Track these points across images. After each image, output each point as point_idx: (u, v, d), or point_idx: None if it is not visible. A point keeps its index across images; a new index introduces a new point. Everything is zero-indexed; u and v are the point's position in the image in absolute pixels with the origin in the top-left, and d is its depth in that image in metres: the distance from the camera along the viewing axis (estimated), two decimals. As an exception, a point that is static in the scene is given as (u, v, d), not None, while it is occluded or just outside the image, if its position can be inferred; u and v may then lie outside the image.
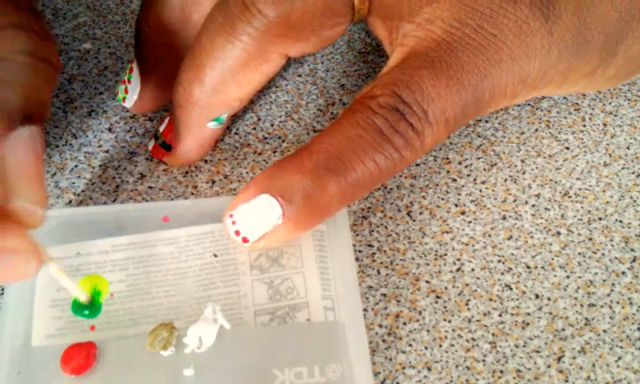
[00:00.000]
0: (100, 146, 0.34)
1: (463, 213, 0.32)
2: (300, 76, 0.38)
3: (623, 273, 0.30)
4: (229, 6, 0.29)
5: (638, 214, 0.32)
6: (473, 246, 0.31)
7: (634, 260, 0.31)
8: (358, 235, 0.31)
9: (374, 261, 0.31)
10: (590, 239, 0.31)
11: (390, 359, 0.28)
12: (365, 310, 0.29)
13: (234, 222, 0.27)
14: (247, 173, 0.33)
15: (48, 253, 0.25)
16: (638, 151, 0.35)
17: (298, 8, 0.29)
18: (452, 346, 0.28)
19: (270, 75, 0.31)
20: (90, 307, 0.27)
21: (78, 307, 0.27)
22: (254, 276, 0.28)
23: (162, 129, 0.33)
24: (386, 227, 0.32)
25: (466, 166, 0.34)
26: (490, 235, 0.31)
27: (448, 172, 0.34)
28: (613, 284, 0.30)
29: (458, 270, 0.30)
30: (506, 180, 0.34)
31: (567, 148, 0.35)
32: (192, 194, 0.33)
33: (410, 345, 0.28)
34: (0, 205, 0.24)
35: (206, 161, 0.34)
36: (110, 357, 0.25)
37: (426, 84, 0.27)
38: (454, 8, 0.28)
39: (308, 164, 0.27)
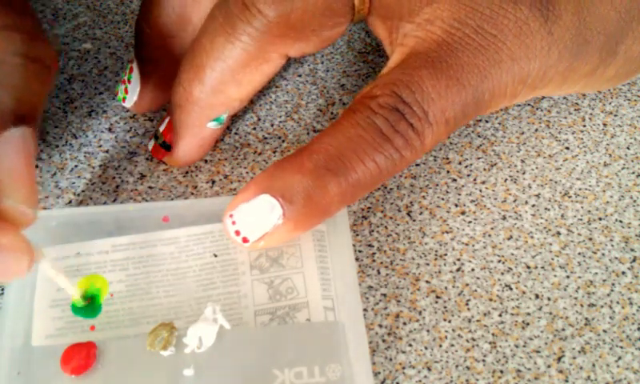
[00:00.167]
0: (100, 146, 0.34)
1: (463, 213, 0.32)
2: (300, 76, 0.38)
3: (623, 273, 0.30)
4: (229, 6, 0.29)
5: (638, 214, 0.32)
6: (473, 246, 0.31)
7: (633, 260, 0.31)
8: (357, 235, 0.31)
9: (373, 261, 0.31)
10: (590, 239, 0.31)
11: (390, 359, 0.28)
12: (365, 310, 0.29)
13: (234, 222, 0.27)
14: (247, 173, 0.33)
15: (43, 251, 0.25)
16: (637, 151, 0.35)
17: (298, 8, 0.29)
18: (452, 346, 0.28)
19: (270, 75, 0.31)
20: (89, 307, 0.27)
21: (77, 307, 0.27)
22: (254, 276, 0.28)
23: (161, 129, 0.33)
24: (386, 227, 0.32)
25: (466, 166, 0.34)
26: (489, 235, 0.31)
27: (448, 172, 0.34)
28: (613, 284, 0.30)
29: (458, 270, 0.30)
30: (506, 180, 0.34)
31: (567, 148, 0.35)
32: (192, 193, 0.33)
33: (410, 345, 0.28)
34: None
35: (206, 161, 0.34)
36: (110, 357, 0.25)
37: (426, 84, 0.27)
38: (454, 8, 0.28)
39: (308, 164, 0.27)
